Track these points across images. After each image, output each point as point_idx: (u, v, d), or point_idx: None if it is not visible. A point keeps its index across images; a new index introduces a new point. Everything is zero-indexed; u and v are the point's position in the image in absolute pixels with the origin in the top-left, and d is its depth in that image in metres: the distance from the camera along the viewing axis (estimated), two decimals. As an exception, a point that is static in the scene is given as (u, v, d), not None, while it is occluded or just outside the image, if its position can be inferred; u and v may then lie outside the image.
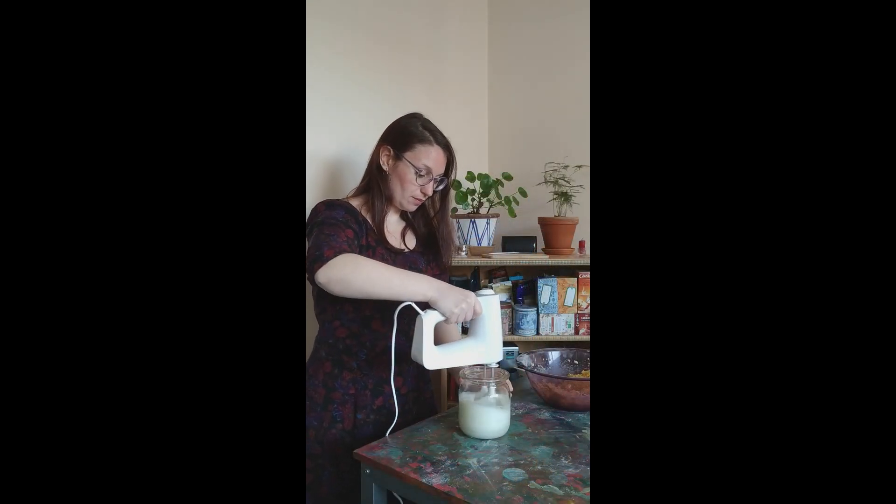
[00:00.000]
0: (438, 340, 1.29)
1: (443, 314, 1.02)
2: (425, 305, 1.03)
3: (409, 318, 1.10)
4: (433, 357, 1.04)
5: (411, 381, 1.24)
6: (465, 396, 1.05)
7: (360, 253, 1.14)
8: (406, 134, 1.20)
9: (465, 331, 1.28)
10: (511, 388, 1.11)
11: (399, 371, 1.19)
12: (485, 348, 1.07)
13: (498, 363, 1.09)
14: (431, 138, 1.20)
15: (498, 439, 1.02)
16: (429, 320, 1.02)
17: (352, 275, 0.99)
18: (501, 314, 1.75)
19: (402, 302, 1.02)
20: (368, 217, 1.20)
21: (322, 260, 0.99)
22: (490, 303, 1.07)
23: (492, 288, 1.11)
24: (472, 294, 1.03)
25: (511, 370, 1.72)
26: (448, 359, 1.07)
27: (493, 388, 1.05)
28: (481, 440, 1.02)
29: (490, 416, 1.02)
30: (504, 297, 1.82)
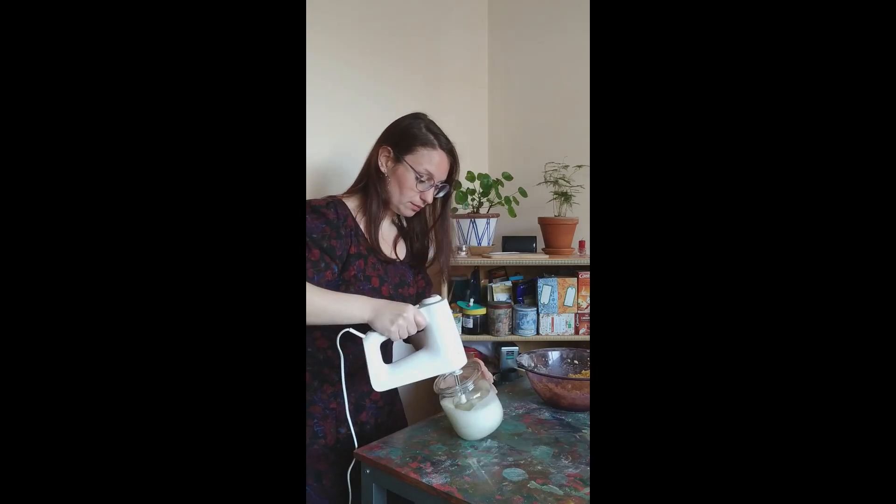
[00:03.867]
0: (417, 347, 1.25)
1: (381, 334, 0.99)
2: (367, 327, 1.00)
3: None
4: (382, 379, 1.01)
5: (386, 392, 1.19)
6: (446, 406, 1.02)
7: (349, 262, 1.09)
8: (408, 135, 1.12)
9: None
10: (490, 378, 1.07)
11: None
12: (438, 360, 1.02)
13: (463, 368, 1.04)
14: (435, 142, 1.12)
15: (498, 439, 1.02)
16: (371, 342, 1.00)
17: None
18: (502, 314, 1.75)
19: (343, 327, 1.00)
20: (362, 222, 1.14)
21: None
22: (434, 312, 1.01)
23: (439, 294, 1.06)
24: (409, 307, 0.99)
25: (511, 370, 1.73)
26: (400, 377, 1.03)
27: (470, 389, 1.02)
28: (481, 440, 1.02)
29: (477, 417, 1.00)
30: (504, 297, 1.82)
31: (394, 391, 1.24)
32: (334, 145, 1.61)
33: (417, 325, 0.99)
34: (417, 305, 1.01)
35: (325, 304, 0.99)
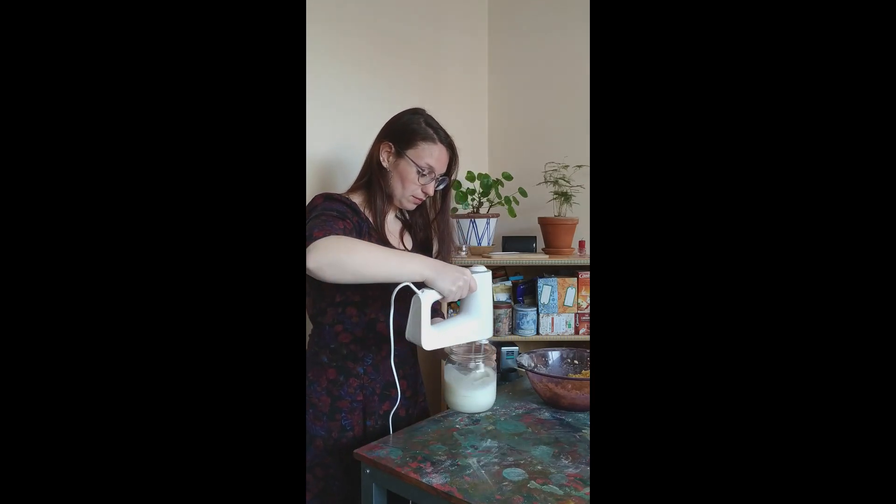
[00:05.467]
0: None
1: (440, 293, 0.99)
2: (420, 285, 1.00)
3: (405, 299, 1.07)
4: (431, 337, 1.01)
5: (411, 383, 1.23)
6: (450, 372, 1.06)
7: None
8: (408, 131, 1.16)
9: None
10: (493, 366, 1.10)
11: (403, 374, 1.19)
12: (478, 324, 1.07)
13: (488, 340, 1.09)
14: (435, 136, 1.16)
15: (498, 439, 1.02)
16: (426, 300, 0.99)
17: (345, 256, 0.93)
18: (502, 314, 1.76)
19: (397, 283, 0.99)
20: (369, 216, 1.17)
21: (311, 239, 0.94)
22: (484, 279, 1.07)
23: (483, 265, 1.11)
24: (467, 271, 1.02)
25: (511, 370, 1.73)
26: (445, 337, 1.05)
27: (480, 363, 1.05)
28: (472, 413, 1.02)
29: (475, 392, 1.04)
30: (504, 296, 1.82)
31: (419, 382, 1.27)
32: (337, 142, 1.61)
33: (470, 289, 1.03)
34: (469, 270, 1.05)
35: (385, 256, 0.98)
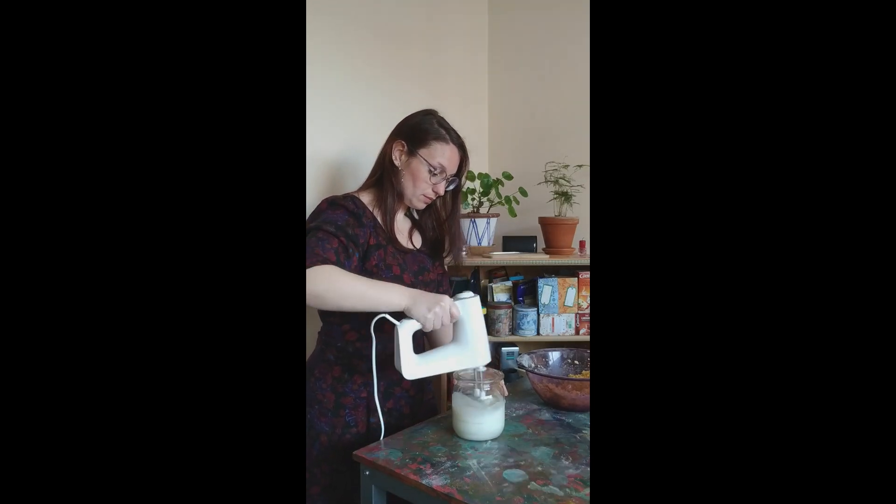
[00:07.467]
0: (433, 345, 1.29)
1: (417, 321, 1.00)
2: (402, 315, 1.02)
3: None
4: (413, 366, 1.03)
5: (416, 381, 1.23)
6: (458, 399, 1.04)
7: (370, 252, 1.13)
8: (422, 130, 1.18)
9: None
10: (505, 393, 1.10)
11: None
12: (467, 353, 1.05)
13: (486, 366, 1.07)
14: (447, 136, 1.18)
15: (497, 439, 1.02)
16: (405, 330, 1.01)
17: (325, 292, 0.97)
18: (502, 314, 1.75)
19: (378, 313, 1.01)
20: (378, 215, 1.18)
21: None
22: (468, 306, 1.04)
23: (471, 290, 1.10)
24: (446, 298, 1.01)
25: (511, 370, 1.72)
26: (429, 367, 1.05)
27: (486, 391, 1.04)
28: (481, 441, 1.02)
29: (483, 419, 1.02)
30: (504, 297, 1.81)
31: (425, 381, 1.26)
32: (339, 139, 1.62)
33: (452, 316, 1.02)
34: (453, 298, 1.03)
35: (363, 290, 1.00)
